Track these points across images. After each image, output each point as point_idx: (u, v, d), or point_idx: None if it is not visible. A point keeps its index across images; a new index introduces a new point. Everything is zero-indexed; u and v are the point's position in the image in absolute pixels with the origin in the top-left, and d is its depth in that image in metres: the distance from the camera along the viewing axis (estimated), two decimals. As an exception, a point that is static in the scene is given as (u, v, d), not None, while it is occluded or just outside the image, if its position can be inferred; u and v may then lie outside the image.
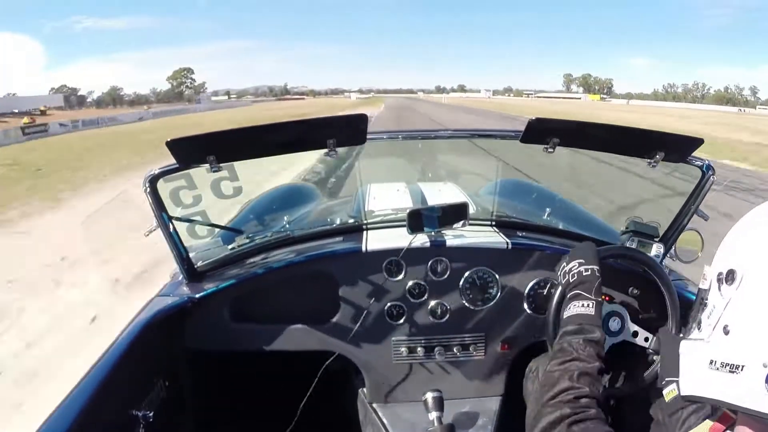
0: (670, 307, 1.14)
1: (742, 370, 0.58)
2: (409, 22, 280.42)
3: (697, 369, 0.66)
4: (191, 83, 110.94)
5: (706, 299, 0.68)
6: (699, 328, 0.68)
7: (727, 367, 0.60)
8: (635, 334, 1.17)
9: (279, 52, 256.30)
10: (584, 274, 1.02)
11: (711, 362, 0.63)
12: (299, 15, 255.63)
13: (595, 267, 1.02)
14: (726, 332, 0.62)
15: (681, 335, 0.75)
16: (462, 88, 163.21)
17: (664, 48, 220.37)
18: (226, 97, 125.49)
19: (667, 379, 0.74)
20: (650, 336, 1.16)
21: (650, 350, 1.15)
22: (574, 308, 0.97)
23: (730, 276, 0.63)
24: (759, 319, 0.58)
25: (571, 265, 1.06)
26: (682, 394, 0.70)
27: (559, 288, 1.11)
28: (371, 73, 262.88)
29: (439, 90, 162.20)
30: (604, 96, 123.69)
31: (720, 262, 0.68)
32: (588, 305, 0.96)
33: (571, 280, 1.04)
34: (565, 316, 0.98)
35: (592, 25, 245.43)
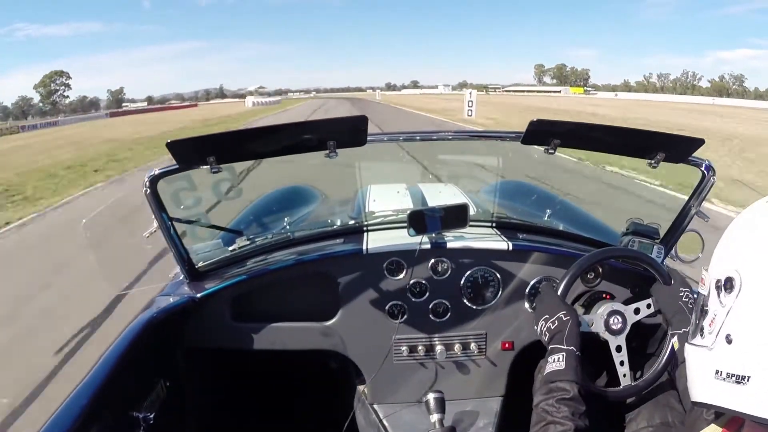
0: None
1: (748, 380, 0.59)
2: (358, 16, 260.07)
3: (704, 378, 0.66)
4: (66, 90, 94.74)
5: (707, 306, 0.68)
6: (702, 335, 0.68)
7: (734, 378, 0.61)
8: (619, 348, 1.16)
9: (221, 53, 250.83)
10: (552, 327, 1.03)
11: (717, 372, 0.63)
12: (243, 15, 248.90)
13: (562, 313, 1.03)
14: (729, 341, 0.62)
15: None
16: (415, 84, 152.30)
17: (611, 39, 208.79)
18: (145, 104, 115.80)
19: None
20: (626, 361, 1.14)
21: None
22: (548, 366, 0.98)
23: (728, 284, 0.64)
24: (761, 329, 0.59)
25: (539, 326, 1.07)
26: (692, 400, 0.70)
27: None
28: (320, 72, 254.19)
29: (390, 87, 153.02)
30: (588, 89, 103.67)
31: (717, 268, 0.68)
32: (559, 359, 0.97)
33: (545, 339, 1.05)
34: (540, 377, 0.99)
35: (538, 15, 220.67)
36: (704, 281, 0.71)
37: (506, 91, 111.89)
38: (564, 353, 0.96)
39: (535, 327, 1.09)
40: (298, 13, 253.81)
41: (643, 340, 1.20)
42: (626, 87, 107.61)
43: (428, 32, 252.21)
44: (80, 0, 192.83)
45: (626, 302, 1.19)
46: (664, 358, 1.13)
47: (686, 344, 0.74)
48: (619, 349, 1.15)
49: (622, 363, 1.15)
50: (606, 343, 1.16)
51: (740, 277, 0.62)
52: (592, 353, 1.14)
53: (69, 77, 70.91)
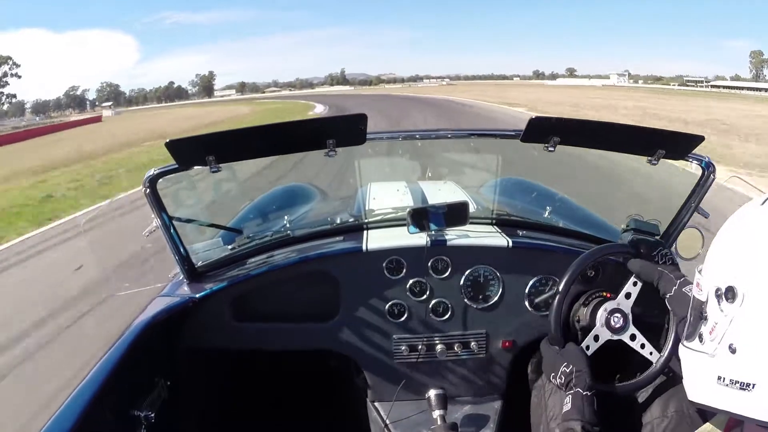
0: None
1: (753, 387, 0.60)
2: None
3: (705, 382, 0.67)
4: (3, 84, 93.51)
5: (705, 312, 0.68)
6: (701, 341, 0.69)
7: (737, 385, 0.61)
8: (633, 337, 1.18)
9: (356, 38, 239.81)
10: (561, 382, 1.09)
11: (719, 378, 0.64)
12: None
13: (563, 366, 1.09)
14: (732, 350, 0.62)
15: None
16: (571, 72, 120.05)
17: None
18: (233, 92, 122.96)
19: None
20: (646, 342, 1.17)
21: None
22: (563, 407, 1.04)
23: (730, 293, 0.63)
24: (765, 340, 0.59)
25: (553, 383, 1.12)
26: (691, 400, 0.70)
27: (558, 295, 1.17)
28: (458, 57, 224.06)
29: (538, 75, 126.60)
30: None
31: (716, 275, 0.68)
32: (567, 401, 1.04)
33: (562, 391, 1.10)
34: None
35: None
36: (700, 286, 0.70)
37: (713, 86, 68.26)
38: (570, 395, 1.04)
39: (549, 380, 1.15)
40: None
41: (649, 329, 1.21)
42: None
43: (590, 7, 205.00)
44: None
45: (616, 294, 1.21)
46: (671, 326, 1.15)
47: (681, 346, 0.74)
48: (633, 337, 1.17)
49: (642, 346, 1.17)
50: (621, 340, 1.18)
51: (742, 288, 0.62)
52: (614, 350, 1.18)
53: (16, 65, 74.00)
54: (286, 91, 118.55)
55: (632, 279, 1.18)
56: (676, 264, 1.16)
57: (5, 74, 73.21)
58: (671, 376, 1.18)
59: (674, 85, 75.71)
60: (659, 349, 1.16)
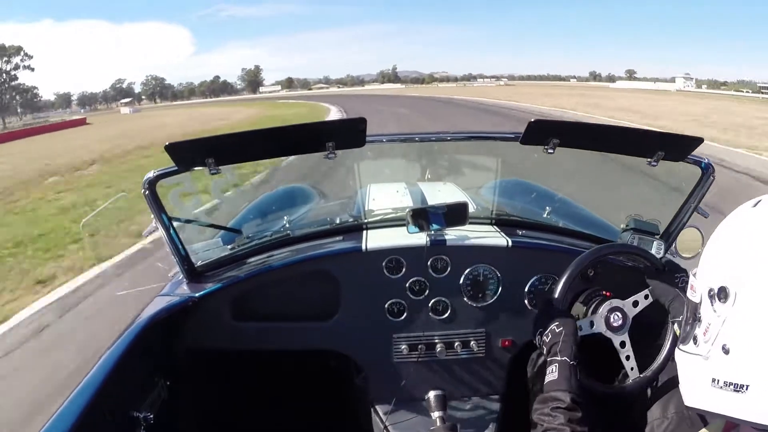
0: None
1: (747, 389, 0.60)
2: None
3: (700, 385, 0.67)
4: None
5: (699, 313, 0.69)
6: (695, 343, 0.69)
7: (731, 386, 0.62)
8: (623, 344, 1.16)
9: (409, 35, 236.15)
10: (546, 341, 1.04)
11: (713, 380, 0.64)
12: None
13: (554, 325, 1.04)
14: (726, 351, 0.63)
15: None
16: (631, 75, 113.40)
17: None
18: (279, 87, 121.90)
19: None
20: (632, 356, 1.15)
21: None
22: (546, 377, 0.99)
23: (722, 294, 0.64)
24: (758, 340, 0.60)
25: (536, 340, 1.08)
26: (687, 404, 0.70)
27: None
28: (513, 57, 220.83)
29: (594, 77, 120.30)
30: None
31: (709, 276, 0.68)
32: (552, 370, 0.98)
33: (543, 352, 1.05)
34: (537, 386, 1.03)
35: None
36: (694, 288, 0.71)
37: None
38: (557, 364, 0.98)
39: (533, 341, 1.11)
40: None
41: (646, 332, 1.20)
42: None
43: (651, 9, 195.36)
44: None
45: (625, 296, 1.19)
46: (668, 346, 1.13)
47: (677, 350, 0.74)
48: (623, 344, 1.16)
49: (628, 358, 1.15)
50: (611, 340, 1.16)
51: (734, 287, 0.63)
52: (600, 352, 1.15)
53: (19, 52, 73.69)
54: (334, 88, 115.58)
55: (646, 292, 1.17)
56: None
57: (16, 66, 72.19)
58: (672, 377, 1.18)
59: (746, 91, 67.17)
60: (641, 369, 1.15)
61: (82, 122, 38.43)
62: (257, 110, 33.14)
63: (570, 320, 1.08)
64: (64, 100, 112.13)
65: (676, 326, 1.08)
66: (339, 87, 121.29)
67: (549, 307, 1.12)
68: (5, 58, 70.22)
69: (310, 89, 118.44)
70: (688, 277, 1.10)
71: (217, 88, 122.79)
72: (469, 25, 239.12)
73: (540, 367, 1.23)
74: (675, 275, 1.14)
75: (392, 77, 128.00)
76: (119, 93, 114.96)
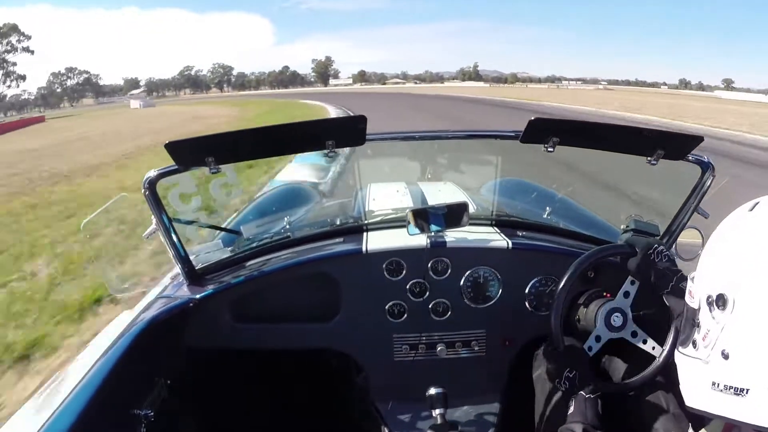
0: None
1: (747, 393, 0.60)
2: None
3: (700, 388, 0.67)
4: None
5: (698, 319, 0.69)
6: (695, 347, 0.69)
7: (732, 390, 0.62)
8: (634, 333, 1.18)
9: (489, 33, 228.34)
10: (566, 387, 1.10)
11: (714, 384, 0.64)
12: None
13: (567, 371, 1.10)
14: (725, 357, 0.63)
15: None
16: (728, 84, 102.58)
17: None
18: (351, 81, 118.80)
19: None
20: (648, 338, 1.17)
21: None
22: (568, 409, 1.07)
23: (720, 301, 0.64)
24: (757, 345, 0.60)
25: (557, 387, 1.14)
26: (687, 405, 0.71)
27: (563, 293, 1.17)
28: (600, 60, 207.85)
29: (684, 84, 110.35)
30: None
31: (707, 283, 0.68)
32: (570, 404, 1.06)
33: (566, 387, 1.11)
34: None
35: None
36: (692, 293, 0.71)
37: None
38: (574, 399, 1.06)
39: (554, 384, 1.15)
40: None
41: (651, 318, 1.21)
42: None
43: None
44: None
45: (615, 293, 1.21)
46: (671, 321, 1.14)
47: (677, 352, 0.74)
48: (634, 334, 1.18)
49: (645, 341, 1.17)
50: (623, 338, 1.19)
51: (732, 295, 0.63)
52: (618, 348, 1.20)
53: (22, 35, 73.42)
54: (411, 84, 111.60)
55: (630, 278, 1.19)
56: (672, 260, 1.16)
57: (13, 47, 70.82)
58: (671, 376, 1.18)
59: None
60: (661, 344, 1.16)
61: (39, 120, 33.99)
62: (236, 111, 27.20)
63: (577, 354, 1.15)
64: (132, 85, 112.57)
65: (666, 299, 1.10)
66: (416, 83, 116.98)
67: (554, 356, 1.16)
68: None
69: (385, 83, 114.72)
70: (660, 246, 1.14)
71: (285, 79, 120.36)
72: (552, 26, 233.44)
73: (547, 371, 1.24)
74: (647, 252, 1.13)
75: (473, 75, 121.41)
76: (187, 80, 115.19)
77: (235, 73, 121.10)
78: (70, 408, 0.90)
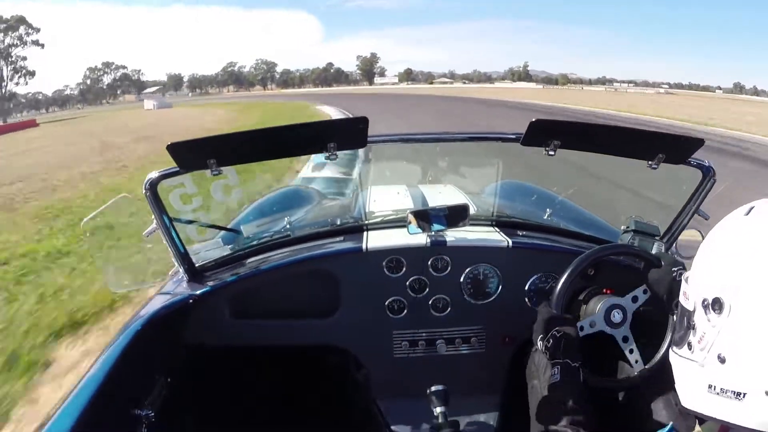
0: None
1: (744, 396, 0.60)
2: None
3: (696, 390, 0.67)
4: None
5: (693, 321, 0.69)
6: (690, 349, 0.69)
7: (728, 393, 0.62)
8: (626, 339, 1.17)
9: (538, 33, 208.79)
10: (548, 345, 1.05)
11: (710, 387, 0.64)
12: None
13: (555, 330, 1.05)
14: (721, 360, 0.63)
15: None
16: None
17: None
18: (396, 80, 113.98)
19: None
20: (635, 348, 1.16)
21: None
22: (549, 380, 1.02)
23: (716, 305, 0.64)
24: (754, 349, 0.59)
25: (538, 345, 1.08)
26: (683, 406, 0.70)
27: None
28: (650, 62, 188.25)
29: (739, 89, 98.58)
30: None
31: (702, 286, 0.68)
32: (555, 373, 1.02)
33: (546, 356, 1.06)
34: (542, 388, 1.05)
35: None
36: (687, 295, 0.71)
37: None
38: (559, 367, 1.01)
39: (535, 347, 1.12)
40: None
41: (648, 326, 1.21)
42: None
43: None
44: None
45: (624, 294, 1.20)
46: (670, 338, 1.14)
47: (672, 353, 0.74)
48: (625, 339, 1.17)
49: (631, 351, 1.16)
50: (613, 336, 1.17)
51: (729, 299, 0.62)
52: (603, 348, 1.17)
53: (31, 28, 72.32)
54: (458, 84, 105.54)
55: (644, 287, 1.17)
56: None
57: (21, 39, 67.16)
58: (669, 375, 1.18)
59: None
60: (645, 361, 1.15)
61: (31, 124, 30.49)
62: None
63: (570, 322, 1.10)
64: (176, 82, 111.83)
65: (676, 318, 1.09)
66: (464, 83, 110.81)
67: (549, 311, 1.13)
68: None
69: (432, 83, 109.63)
70: (685, 269, 1.11)
71: (329, 76, 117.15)
72: (603, 27, 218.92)
73: (540, 367, 1.24)
74: (672, 268, 1.13)
75: (523, 75, 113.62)
76: (230, 77, 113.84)
77: (279, 69, 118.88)
78: (71, 407, 0.89)
